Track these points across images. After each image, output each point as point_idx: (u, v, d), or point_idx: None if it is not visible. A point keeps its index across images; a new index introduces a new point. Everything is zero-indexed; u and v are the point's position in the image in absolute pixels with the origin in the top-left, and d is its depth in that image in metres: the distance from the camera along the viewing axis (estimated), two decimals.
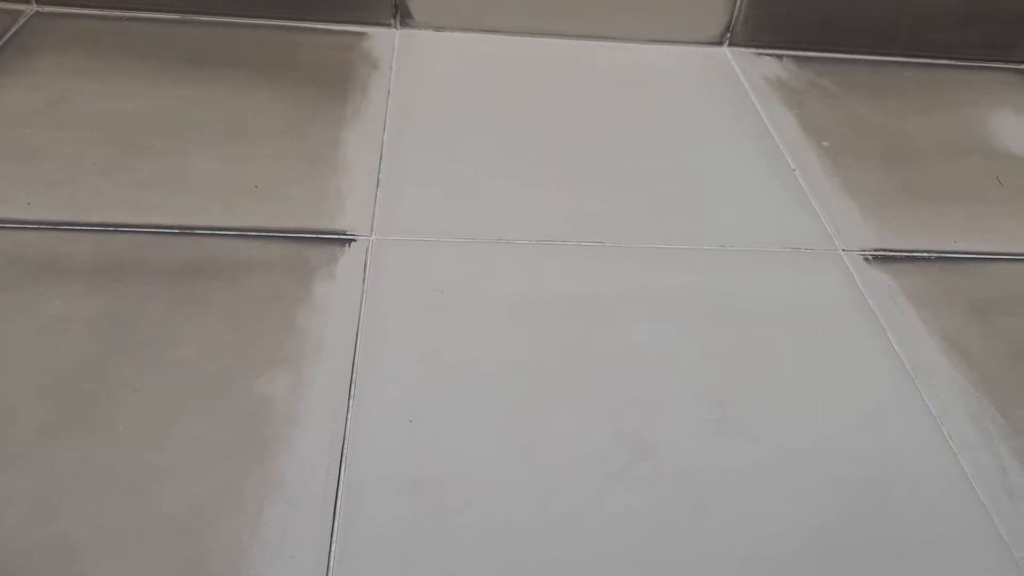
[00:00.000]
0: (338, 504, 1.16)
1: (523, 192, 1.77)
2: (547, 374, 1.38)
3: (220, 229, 1.56)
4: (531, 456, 1.25)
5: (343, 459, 1.21)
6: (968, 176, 2.01)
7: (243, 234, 1.56)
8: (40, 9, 2.18)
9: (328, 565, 1.09)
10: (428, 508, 1.17)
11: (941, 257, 1.74)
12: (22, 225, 1.52)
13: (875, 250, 1.74)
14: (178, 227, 1.55)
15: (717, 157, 1.98)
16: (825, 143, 2.06)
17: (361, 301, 1.47)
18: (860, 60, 2.47)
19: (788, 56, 2.44)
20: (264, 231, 1.57)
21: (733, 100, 2.20)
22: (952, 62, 2.52)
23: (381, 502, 1.17)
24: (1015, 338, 1.57)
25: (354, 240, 1.59)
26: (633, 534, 1.17)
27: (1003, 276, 1.71)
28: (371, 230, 1.62)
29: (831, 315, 1.58)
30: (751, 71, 2.34)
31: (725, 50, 2.43)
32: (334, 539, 1.12)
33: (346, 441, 1.24)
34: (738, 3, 2.35)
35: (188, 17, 2.22)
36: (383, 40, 2.26)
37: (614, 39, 2.38)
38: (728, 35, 2.42)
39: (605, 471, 1.25)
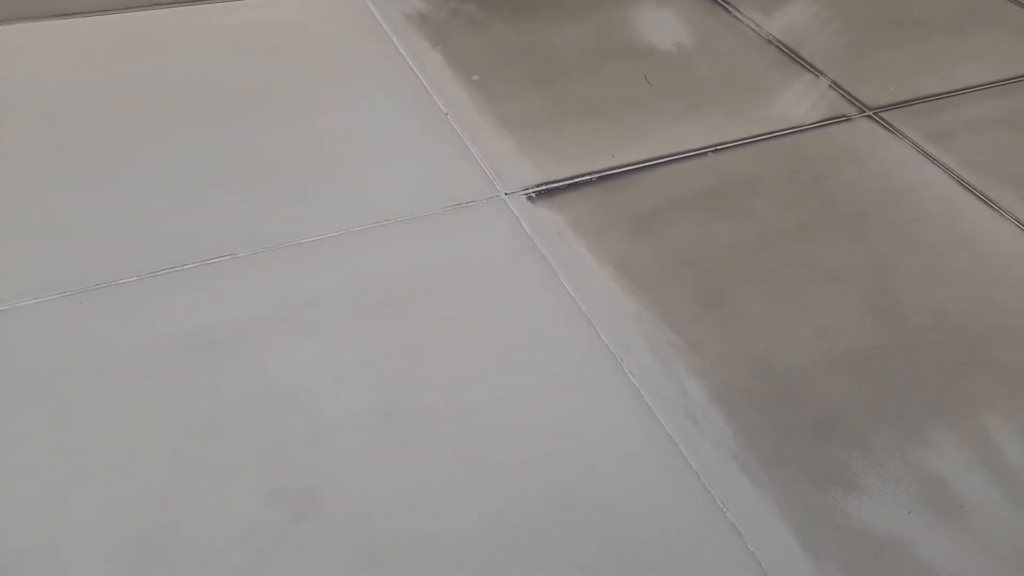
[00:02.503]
0: None
1: (126, 213, 1.45)
2: (173, 446, 1.13)
3: None
4: (154, 564, 1.01)
5: None
6: (618, 82, 1.97)
7: None
8: None
9: None
10: None
11: (602, 176, 1.68)
12: None
13: (537, 186, 1.64)
14: None
15: (362, 117, 1.76)
16: (475, 77, 1.92)
17: None
18: None
19: None
20: None
21: (373, 47, 1.98)
22: None
23: None
24: (679, 246, 1.55)
25: None
26: None
27: (660, 181, 1.69)
28: None
29: (501, 271, 1.46)
30: (389, 10, 2.13)
31: None
32: None
33: None
34: None
35: None
36: None
37: None
38: None
39: (256, 547, 1.04)
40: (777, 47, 2.18)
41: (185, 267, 1.37)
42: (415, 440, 1.18)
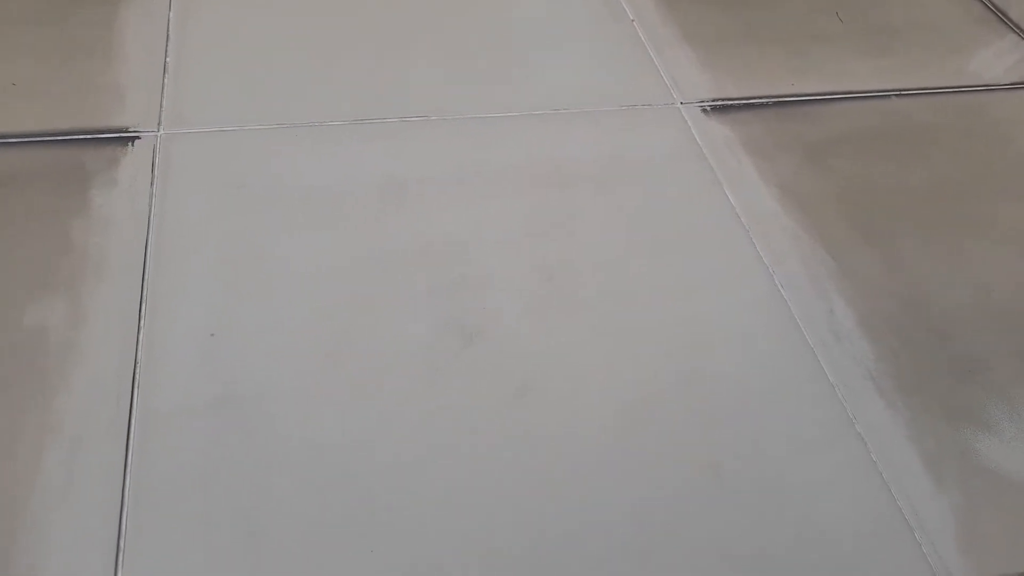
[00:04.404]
0: (131, 436, 1.05)
1: (335, 67, 1.59)
2: (363, 270, 1.27)
3: None
4: (346, 360, 1.16)
5: (135, 386, 1.09)
6: (807, 13, 1.94)
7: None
8: None
9: (122, 503, 0.99)
10: (234, 429, 1.07)
11: (778, 102, 1.70)
12: None
13: (713, 100, 1.67)
14: None
15: (552, 12, 1.83)
16: None
17: (150, 207, 1.30)
18: None
19: None
20: (27, 136, 1.35)
21: None
22: None
23: (181, 428, 1.06)
24: (846, 179, 1.56)
25: (138, 137, 1.39)
26: (455, 425, 1.12)
27: (837, 116, 1.69)
28: (158, 124, 1.42)
29: (667, 173, 1.52)
30: None
31: None
32: (128, 475, 1.01)
33: (138, 366, 1.11)
34: None
35: None
36: None
37: None
38: None
39: (427, 364, 1.18)
40: (982, 3, 2.08)
41: (385, 120, 1.51)
42: (571, 304, 1.29)
